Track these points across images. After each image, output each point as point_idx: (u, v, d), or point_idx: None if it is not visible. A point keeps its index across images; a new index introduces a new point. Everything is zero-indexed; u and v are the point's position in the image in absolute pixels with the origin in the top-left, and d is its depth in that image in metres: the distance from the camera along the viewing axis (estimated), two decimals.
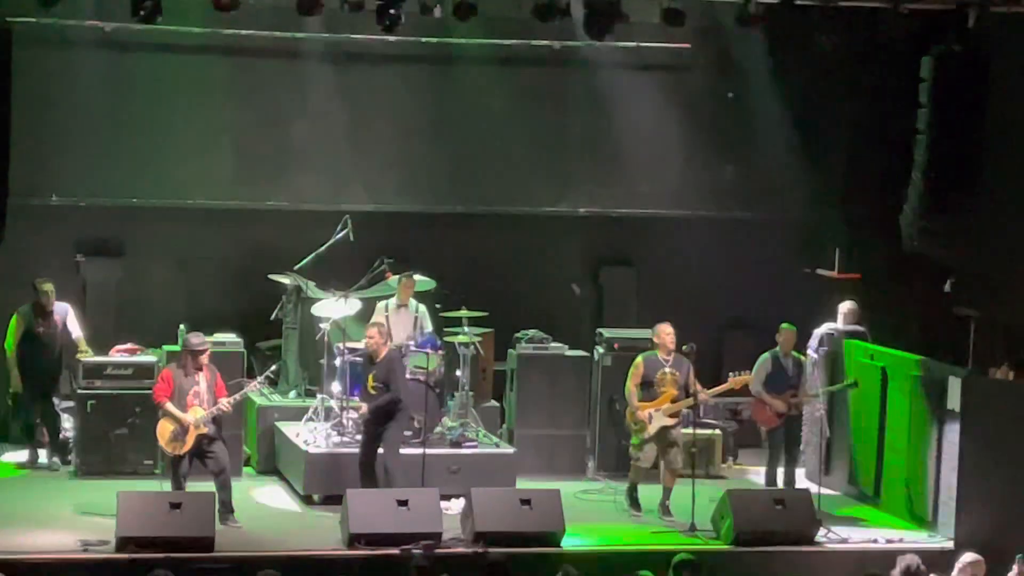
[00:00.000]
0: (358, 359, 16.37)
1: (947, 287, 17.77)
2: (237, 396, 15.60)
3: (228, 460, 15.42)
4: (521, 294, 19.43)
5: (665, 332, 16.18)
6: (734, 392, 16.72)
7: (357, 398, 16.32)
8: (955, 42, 15.19)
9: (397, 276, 17.41)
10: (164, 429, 15.23)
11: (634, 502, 16.28)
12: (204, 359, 15.32)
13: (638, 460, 16.16)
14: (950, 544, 15.18)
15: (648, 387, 16.12)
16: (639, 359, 16.27)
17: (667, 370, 16.10)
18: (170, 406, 15.17)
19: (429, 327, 17.22)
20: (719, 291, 20.18)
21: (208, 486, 15.16)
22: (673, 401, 16.06)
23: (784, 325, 16.94)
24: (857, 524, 16.20)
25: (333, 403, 16.73)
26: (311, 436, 16.57)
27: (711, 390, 16.24)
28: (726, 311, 20.20)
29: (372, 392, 15.67)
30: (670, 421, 16.04)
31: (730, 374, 16.27)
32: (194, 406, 15.17)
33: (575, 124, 19.91)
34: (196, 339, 15.40)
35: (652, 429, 16.00)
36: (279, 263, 18.10)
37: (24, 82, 15.05)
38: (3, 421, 18.07)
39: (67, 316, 17.32)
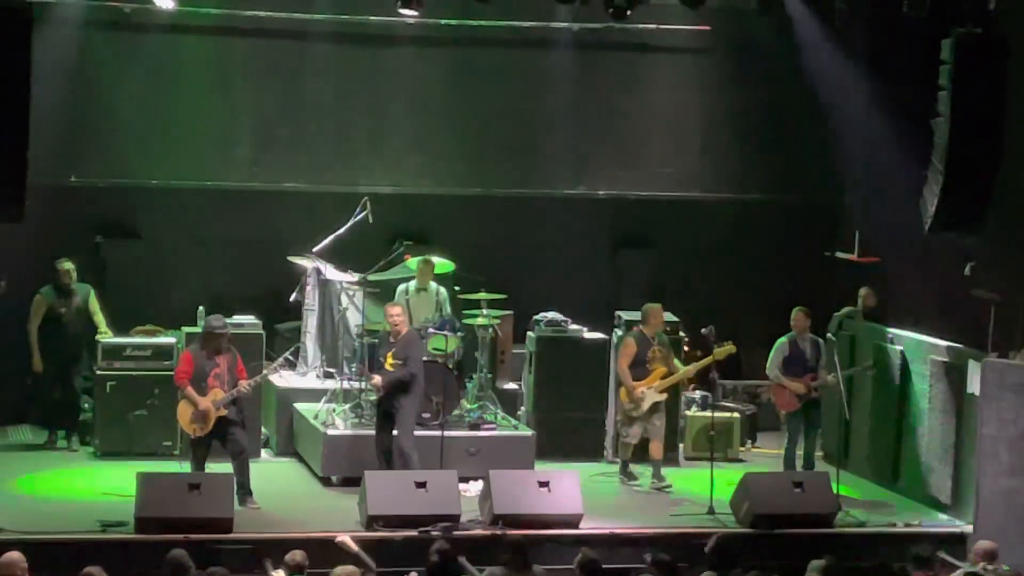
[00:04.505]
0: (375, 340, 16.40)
1: (967, 270, 17.70)
2: (257, 378, 15.59)
3: (247, 443, 15.46)
4: (540, 276, 19.43)
5: (654, 313, 16.62)
6: (753, 375, 16.73)
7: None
8: (975, 24, 15.11)
9: (416, 259, 17.39)
10: (184, 410, 15.24)
11: (629, 475, 16.73)
12: (225, 342, 15.34)
13: (627, 437, 16.66)
14: (969, 528, 15.16)
15: (638, 366, 16.47)
16: (630, 338, 16.71)
17: (656, 348, 16.54)
18: (190, 390, 15.18)
19: (448, 310, 17.23)
20: (737, 274, 20.18)
21: (228, 467, 15.17)
22: (663, 378, 16.45)
23: (798, 308, 16.89)
24: (875, 507, 16.18)
25: (351, 384, 16.75)
26: (329, 418, 16.58)
27: (695, 364, 16.71)
28: (744, 294, 20.18)
29: (390, 369, 15.70)
30: (661, 397, 16.53)
31: (714, 345, 16.43)
32: (215, 388, 15.18)
33: (594, 106, 19.87)
34: (217, 322, 15.40)
35: (645, 406, 16.48)
36: (298, 245, 18.10)
37: (44, 62, 15.03)
38: (23, 401, 18.09)
39: (88, 297, 17.36)
